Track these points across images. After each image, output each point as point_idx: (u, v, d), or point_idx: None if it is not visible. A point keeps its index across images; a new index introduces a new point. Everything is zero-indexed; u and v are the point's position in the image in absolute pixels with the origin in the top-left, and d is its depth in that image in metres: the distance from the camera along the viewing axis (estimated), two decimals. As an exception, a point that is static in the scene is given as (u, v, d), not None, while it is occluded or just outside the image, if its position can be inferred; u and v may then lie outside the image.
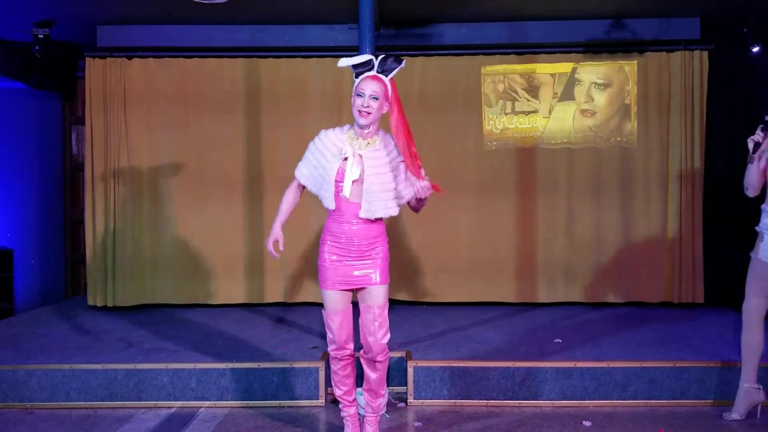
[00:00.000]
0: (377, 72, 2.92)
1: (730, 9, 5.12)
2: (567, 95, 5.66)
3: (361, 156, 2.93)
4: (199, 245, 5.64)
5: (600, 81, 5.64)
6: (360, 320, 3.07)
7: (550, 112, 5.66)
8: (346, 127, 3.04)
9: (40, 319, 5.24)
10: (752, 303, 3.42)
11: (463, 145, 5.67)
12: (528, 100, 5.68)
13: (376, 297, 3.03)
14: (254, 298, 5.68)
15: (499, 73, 5.69)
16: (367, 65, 2.93)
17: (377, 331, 3.02)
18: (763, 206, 3.40)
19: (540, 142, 5.65)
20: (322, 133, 3.03)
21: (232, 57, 5.65)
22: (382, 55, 2.95)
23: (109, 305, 5.57)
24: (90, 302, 5.60)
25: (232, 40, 5.61)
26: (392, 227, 5.46)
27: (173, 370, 3.87)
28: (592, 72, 5.64)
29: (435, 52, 5.61)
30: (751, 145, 3.36)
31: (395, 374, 4.00)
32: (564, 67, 5.65)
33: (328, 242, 3.03)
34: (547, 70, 5.66)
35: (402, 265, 5.60)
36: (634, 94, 5.60)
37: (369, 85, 2.90)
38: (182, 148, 5.64)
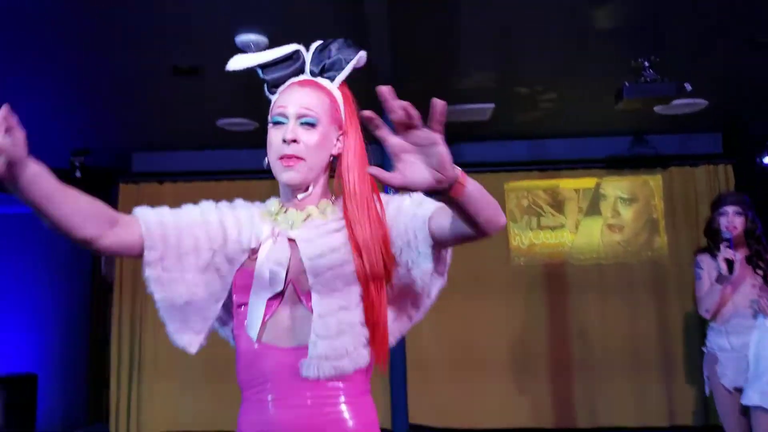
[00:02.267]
0: (311, 76, 1.46)
1: (749, 125, 5.17)
2: (593, 210, 5.63)
3: (292, 240, 1.41)
4: (225, 368, 5.50)
5: (625, 195, 5.62)
6: None
7: (576, 227, 5.62)
8: (271, 200, 1.55)
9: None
10: None
11: (490, 260, 5.58)
12: (553, 215, 5.65)
13: None
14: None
15: (523, 189, 5.71)
16: (289, 65, 1.46)
17: None
18: (712, 324, 3.20)
19: (568, 257, 5.57)
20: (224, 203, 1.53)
21: (259, 180, 5.76)
22: (320, 42, 1.48)
23: (131, 434, 5.42)
24: (111, 431, 5.45)
25: (260, 163, 5.73)
26: (413, 341, 5.26)
27: None
28: (616, 186, 5.63)
29: (458, 169, 5.67)
30: (725, 266, 3.06)
31: None
32: (587, 182, 5.66)
33: None
34: (571, 185, 5.67)
35: (426, 385, 5.37)
36: (661, 209, 5.55)
37: (294, 97, 1.41)
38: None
